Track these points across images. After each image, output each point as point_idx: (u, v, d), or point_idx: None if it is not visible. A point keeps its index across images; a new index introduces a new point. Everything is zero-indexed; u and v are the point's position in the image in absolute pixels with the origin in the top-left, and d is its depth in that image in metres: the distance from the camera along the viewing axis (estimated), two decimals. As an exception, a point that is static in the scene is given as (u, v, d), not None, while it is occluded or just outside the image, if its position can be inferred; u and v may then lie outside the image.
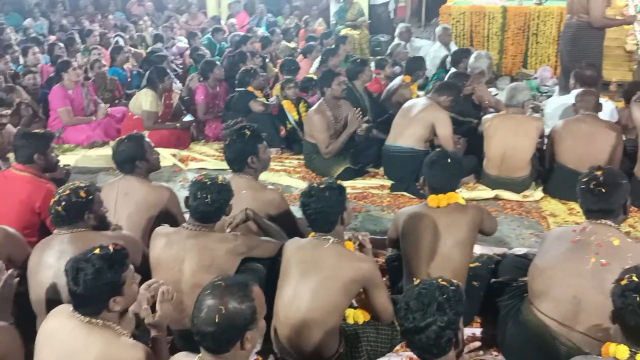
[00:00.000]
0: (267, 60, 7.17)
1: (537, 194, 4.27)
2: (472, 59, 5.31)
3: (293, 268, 2.38)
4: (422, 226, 2.68)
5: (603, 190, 2.34)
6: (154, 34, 9.00)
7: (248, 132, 3.07)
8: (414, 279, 1.95)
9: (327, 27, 9.88)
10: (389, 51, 6.96)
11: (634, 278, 1.80)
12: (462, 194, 4.30)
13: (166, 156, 4.88)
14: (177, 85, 6.24)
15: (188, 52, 7.61)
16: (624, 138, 4.23)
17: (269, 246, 2.73)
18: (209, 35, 8.73)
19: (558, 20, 7.16)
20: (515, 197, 4.23)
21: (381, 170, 4.73)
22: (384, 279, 2.99)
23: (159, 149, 3.49)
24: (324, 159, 4.63)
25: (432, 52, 6.96)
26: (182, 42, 8.80)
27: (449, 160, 2.72)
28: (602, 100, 4.38)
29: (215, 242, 2.52)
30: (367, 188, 4.50)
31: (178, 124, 5.50)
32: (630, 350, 1.76)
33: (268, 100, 5.47)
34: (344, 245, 2.43)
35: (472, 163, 4.44)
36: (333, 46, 6.81)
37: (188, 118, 5.82)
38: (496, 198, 4.25)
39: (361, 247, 2.52)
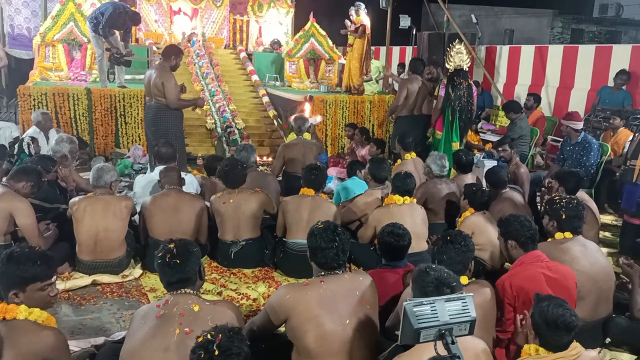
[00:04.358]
0: None
1: (137, 271, 4.24)
2: (53, 142, 5.05)
3: None
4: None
5: (178, 261, 2.46)
6: None
7: None
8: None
9: None
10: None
11: (208, 336, 1.91)
12: (57, 286, 3.96)
13: None
14: None
15: None
16: (208, 205, 4.66)
17: None
18: None
19: (143, 102, 7.57)
20: (115, 279, 4.09)
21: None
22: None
23: None
24: None
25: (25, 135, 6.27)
26: None
27: None
28: (183, 174, 4.75)
29: None
30: None
31: None
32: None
33: None
34: None
35: (65, 251, 4.13)
36: None
37: None
38: (94, 284, 4.03)
39: None
